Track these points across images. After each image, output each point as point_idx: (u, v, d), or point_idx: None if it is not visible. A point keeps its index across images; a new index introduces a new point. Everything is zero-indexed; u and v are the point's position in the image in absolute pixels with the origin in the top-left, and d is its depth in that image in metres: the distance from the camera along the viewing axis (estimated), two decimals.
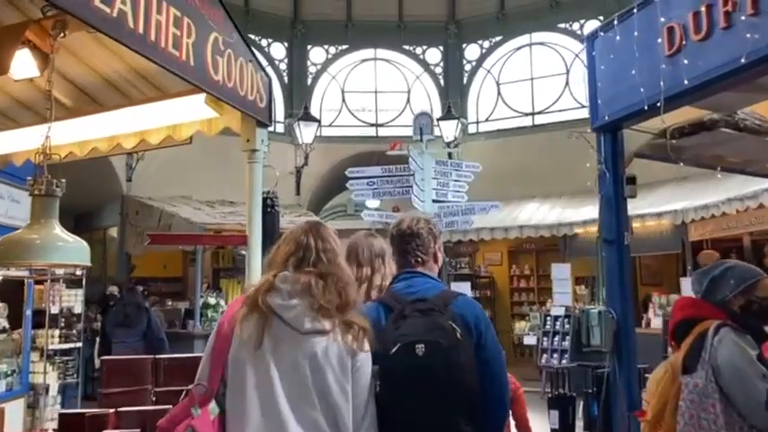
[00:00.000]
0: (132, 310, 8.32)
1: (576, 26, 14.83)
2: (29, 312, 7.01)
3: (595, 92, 4.19)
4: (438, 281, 2.50)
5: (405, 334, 2.16)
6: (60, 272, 7.38)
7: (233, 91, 3.60)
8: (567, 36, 14.97)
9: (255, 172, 3.94)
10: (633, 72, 3.75)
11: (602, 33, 4.14)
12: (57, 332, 7.71)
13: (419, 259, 2.49)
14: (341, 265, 2.25)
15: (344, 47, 15.80)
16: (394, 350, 2.13)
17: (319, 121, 14.13)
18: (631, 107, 3.82)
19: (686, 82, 3.37)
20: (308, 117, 13.59)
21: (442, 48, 15.88)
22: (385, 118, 15.80)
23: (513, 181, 13.04)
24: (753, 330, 2.64)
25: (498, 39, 15.58)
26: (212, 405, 2.11)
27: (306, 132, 13.47)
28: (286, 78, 15.36)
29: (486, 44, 15.70)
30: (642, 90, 3.65)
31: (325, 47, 15.78)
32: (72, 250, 3.10)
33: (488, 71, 15.65)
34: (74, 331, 8.02)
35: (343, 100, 15.78)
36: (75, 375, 7.90)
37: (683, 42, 3.43)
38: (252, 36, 14.15)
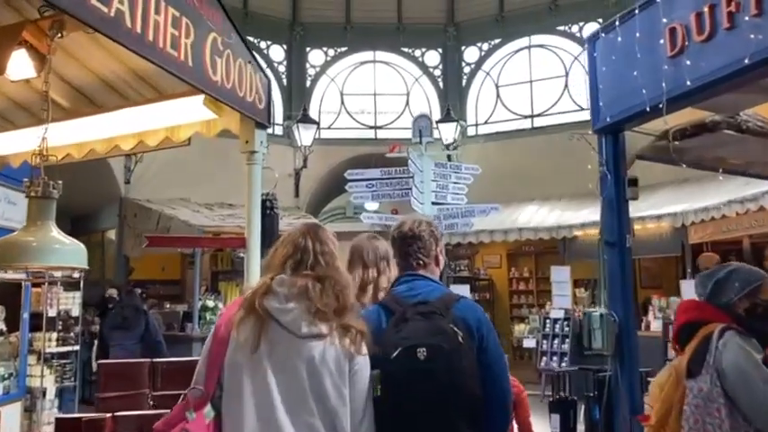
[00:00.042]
0: (130, 313, 8.27)
1: (575, 29, 14.82)
2: (26, 315, 6.96)
3: (597, 93, 4.16)
4: (439, 284, 2.47)
5: (406, 338, 2.14)
6: (58, 275, 7.34)
7: (232, 92, 3.58)
8: (566, 38, 14.96)
9: (254, 173, 3.91)
10: (635, 73, 3.72)
11: (603, 34, 4.12)
12: (54, 335, 7.65)
13: (421, 262, 2.46)
14: (339, 269, 2.23)
15: (343, 49, 15.79)
16: (395, 354, 2.11)
17: (318, 124, 14.11)
18: (633, 108, 3.79)
19: (689, 83, 3.34)
20: (306, 119, 13.57)
21: (440, 50, 15.88)
22: (384, 120, 15.78)
23: (512, 183, 13.02)
24: (758, 334, 2.61)
25: (497, 41, 15.58)
26: (207, 409, 2.09)
27: (305, 135, 13.45)
28: (285, 81, 15.34)
29: (485, 46, 15.69)
30: (644, 91, 3.62)
31: (324, 49, 15.77)
32: (69, 253, 3.06)
33: (487, 73, 15.64)
34: (71, 334, 7.97)
35: (342, 102, 15.76)
36: (72, 379, 7.85)
37: (686, 43, 3.41)
38: (250, 38, 14.12)
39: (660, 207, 10.51)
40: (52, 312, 7.65)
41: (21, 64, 3.26)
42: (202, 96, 3.59)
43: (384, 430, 2.11)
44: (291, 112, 14.72)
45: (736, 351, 2.54)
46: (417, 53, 15.94)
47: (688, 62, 3.37)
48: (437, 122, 13.09)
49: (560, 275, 11.06)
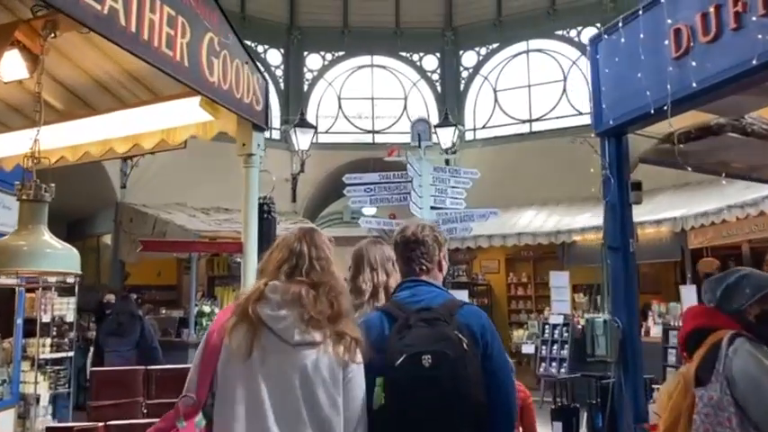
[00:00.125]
0: (125, 319, 8.18)
1: (573, 33, 14.82)
2: (20, 321, 6.90)
3: (599, 96, 4.10)
4: (443, 289, 2.43)
5: (410, 345, 2.11)
6: (52, 280, 7.31)
7: (229, 93, 3.51)
8: (565, 43, 14.95)
9: (251, 177, 3.84)
10: (639, 75, 3.66)
11: (606, 36, 4.05)
12: (48, 341, 7.57)
13: (424, 267, 2.42)
14: (334, 274, 2.19)
15: (341, 53, 15.76)
16: (399, 361, 2.07)
17: (316, 128, 14.06)
18: (637, 111, 3.73)
19: (694, 84, 3.28)
20: (304, 124, 13.51)
21: (438, 54, 15.85)
22: (382, 125, 15.74)
23: (510, 188, 12.97)
24: None
25: (495, 46, 15.56)
26: (199, 417, 2.06)
27: (302, 139, 13.40)
28: (282, 85, 15.30)
29: (484, 51, 15.67)
30: (648, 93, 3.56)
31: (322, 53, 15.73)
32: (61, 257, 2.99)
33: (485, 78, 15.61)
34: (65, 340, 7.88)
35: (340, 107, 15.71)
36: (66, 385, 7.76)
37: (691, 44, 3.35)
38: (248, 42, 14.04)
39: (660, 212, 10.47)
40: (46, 318, 7.59)
41: (13, 64, 3.21)
42: (198, 98, 3.52)
43: None
44: (289, 116, 14.66)
45: (747, 358, 2.47)
46: (415, 57, 15.92)
47: (693, 63, 3.31)
48: (435, 127, 13.04)
49: (559, 281, 11.02)
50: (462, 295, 8.97)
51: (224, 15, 3.51)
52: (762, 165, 4.73)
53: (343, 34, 15.53)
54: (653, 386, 4.52)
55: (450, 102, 15.23)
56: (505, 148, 14.28)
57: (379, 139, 15.33)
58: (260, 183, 3.95)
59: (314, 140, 13.76)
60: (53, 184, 3.04)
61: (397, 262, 2.52)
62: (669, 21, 3.46)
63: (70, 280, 7.71)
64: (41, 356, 7.37)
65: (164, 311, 11.72)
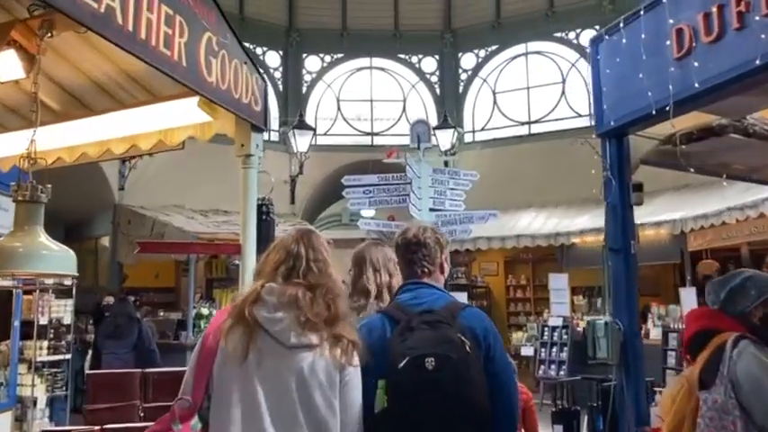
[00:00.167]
0: (123, 321, 8.14)
1: (572, 35, 14.80)
2: (17, 323, 6.87)
3: (600, 96, 4.07)
4: (444, 292, 2.41)
5: (413, 347, 2.09)
6: (49, 282, 7.27)
7: (227, 93, 3.47)
8: (563, 45, 14.93)
9: (250, 178, 3.80)
10: (640, 76, 3.63)
11: (607, 36, 4.03)
12: (45, 343, 7.53)
13: (425, 270, 2.40)
14: (332, 276, 2.17)
15: (340, 55, 15.73)
16: (402, 364, 2.06)
17: (314, 130, 14.03)
18: (638, 112, 3.71)
19: (697, 85, 3.25)
20: (302, 125, 13.49)
21: (437, 57, 15.83)
22: (380, 127, 15.72)
23: (509, 190, 12.94)
24: None
25: (494, 48, 15.54)
26: (194, 420, 2.05)
27: (301, 141, 13.37)
28: (281, 87, 15.27)
29: (482, 53, 15.65)
30: (650, 94, 3.54)
31: (321, 55, 15.71)
32: (57, 259, 2.96)
33: (484, 80, 15.59)
34: (63, 343, 7.85)
35: (339, 108, 15.69)
36: (63, 388, 7.72)
37: (693, 44, 3.32)
38: (247, 44, 14.00)
39: (659, 214, 10.45)
40: (43, 320, 7.54)
41: (9, 64, 3.18)
42: (196, 98, 3.49)
43: None
44: (287, 118, 14.64)
45: (751, 360, 2.44)
46: (414, 59, 15.89)
47: (695, 64, 3.29)
48: (434, 129, 13.01)
49: (558, 283, 10.99)
50: (461, 297, 8.93)
51: (222, 15, 3.48)
52: (762, 166, 4.71)
53: (341, 36, 15.51)
54: (654, 389, 4.50)
55: (449, 104, 15.21)
56: (504, 151, 14.26)
57: (378, 141, 15.30)
58: (259, 184, 3.91)
59: (313, 142, 13.74)
60: (49, 185, 3.00)
61: (399, 264, 2.51)
62: (671, 21, 3.44)
63: (67, 282, 7.67)
64: (38, 359, 7.33)
65: (162, 314, 11.69)
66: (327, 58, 15.73)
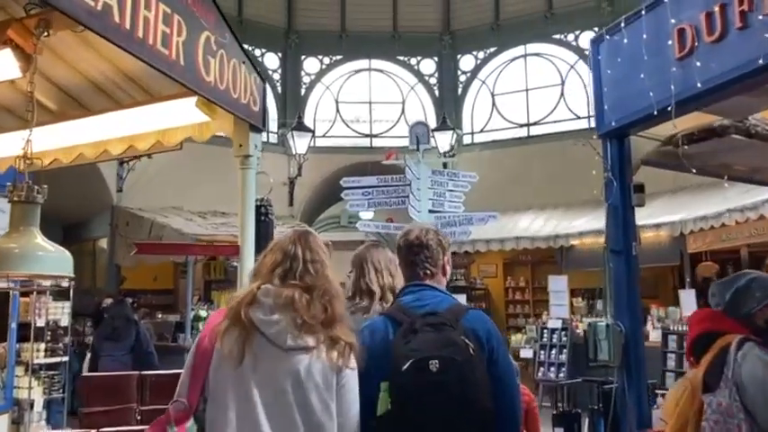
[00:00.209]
0: (121, 323, 8.09)
1: (570, 37, 14.81)
2: (14, 325, 6.81)
3: (601, 97, 4.04)
4: (447, 294, 2.39)
5: (416, 349, 2.08)
6: (47, 283, 7.21)
7: (225, 93, 3.44)
8: (562, 47, 14.94)
9: (248, 178, 3.77)
10: (641, 76, 3.60)
11: (608, 37, 4.00)
12: (42, 346, 7.48)
13: (428, 271, 2.39)
14: (329, 278, 2.16)
15: (338, 57, 15.72)
16: (406, 366, 2.04)
17: (313, 132, 14.01)
18: (640, 112, 3.67)
19: (699, 85, 3.22)
20: (301, 127, 13.47)
21: (436, 58, 15.83)
22: (379, 129, 15.70)
23: (508, 192, 12.94)
24: None
25: (493, 49, 15.54)
26: (190, 423, 2.04)
27: (299, 143, 13.35)
28: (280, 88, 15.25)
29: (481, 55, 15.65)
30: (651, 94, 3.50)
31: (320, 57, 15.70)
32: (53, 260, 2.92)
33: (483, 82, 15.59)
34: (60, 345, 7.79)
35: (338, 110, 15.67)
36: (60, 390, 7.67)
37: (695, 44, 3.29)
38: (245, 46, 14.00)
39: (658, 216, 10.42)
40: (41, 322, 7.49)
41: (5, 64, 3.15)
42: (194, 98, 3.46)
43: None
44: (286, 119, 14.61)
45: (756, 363, 2.41)
46: (413, 61, 15.89)
47: (698, 64, 3.25)
48: (433, 131, 12.98)
49: (558, 285, 10.96)
50: (460, 299, 8.90)
51: (221, 14, 3.45)
52: (764, 167, 4.68)
53: (340, 38, 15.50)
54: (656, 391, 4.46)
55: (448, 106, 15.20)
56: (503, 152, 14.26)
57: (377, 142, 15.30)
58: (257, 185, 3.88)
59: (311, 144, 13.72)
60: (45, 186, 2.97)
61: (400, 266, 2.49)
62: (673, 20, 3.41)
63: (65, 284, 7.60)
64: (36, 361, 7.28)
65: (160, 316, 11.66)
66: (326, 60, 15.72)
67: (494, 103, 15.41)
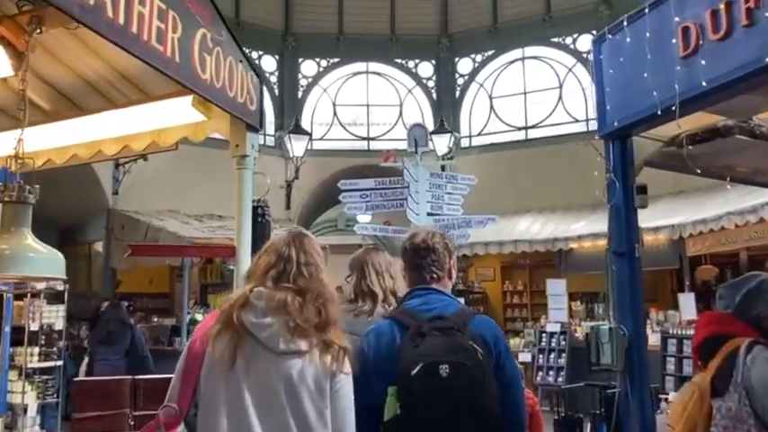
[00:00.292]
0: (116, 327, 8.02)
1: (569, 40, 14.78)
2: (7, 329, 6.77)
3: (603, 97, 3.98)
4: (453, 298, 2.38)
5: (425, 354, 2.05)
6: (40, 286, 7.16)
7: (221, 92, 3.38)
8: (560, 50, 14.92)
9: (245, 179, 3.70)
10: (645, 75, 3.54)
11: (610, 36, 3.94)
12: (36, 350, 7.40)
13: (434, 275, 2.36)
14: (323, 281, 2.11)
15: (336, 60, 15.67)
16: (415, 371, 2.02)
17: (310, 135, 13.96)
18: (643, 112, 3.60)
19: (704, 84, 3.16)
20: (298, 130, 13.42)
21: (434, 61, 15.79)
22: (377, 131, 15.65)
23: (506, 195, 12.89)
24: None
25: (491, 53, 15.51)
26: (181, 428, 2.00)
27: (296, 146, 13.30)
28: (277, 91, 15.19)
29: (479, 58, 15.61)
30: (655, 94, 3.44)
31: (317, 60, 15.64)
32: (45, 262, 2.86)
33: (481, 85, 15.55)
34: (54, 349, 7.70)
35: (335, 113, 15.62)
36: (54, 395, 7.58)
37: (700, 42, 3.23)
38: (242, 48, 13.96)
39: (657, 219, 10.38)
40: (35, 326, 7.41)
41: None
42: (190, 97, 3.39)
43: None
44: (283, 122, 14.56)
45: (765, 367, 2.35)
46: (411, 64, 15.84)
47: (703, 62, 3.20)
48: (431, 134, 12.94)
49: (556, 288, 10.92)
50: None
51: (217, 11, 3.39)
52: (766, 168, 4.63)
53: (338, 41, 15.45)
54: (660, 396, 4.40)
55: (446, 109, 15.15)
56: (501, 156, 14.22)
57: (375, 146, 15.22)
58: (254, 185, 3.81)
59: (308, 147, 13.67)
60: (37, 186, 2.90)
61: (406, 269, 2.45)
62: (677, 19, 3.35)
63: (59, 287, 7.56)
64: (29, 366, 7.21)
65: (156, 319, 11.59)
66: (323, 63, 15.67)
67: (492, 106, 15.37)
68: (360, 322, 2.67)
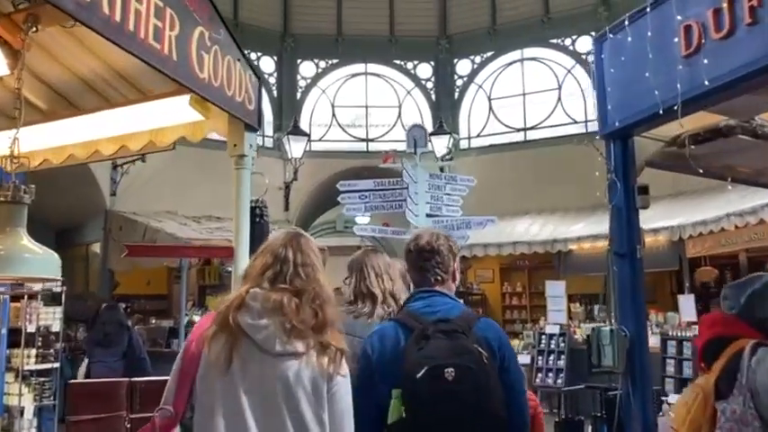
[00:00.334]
0: (113, 329, 7.97)
1: (567, 42, 14.77)
2: (4, 331, 6.70)
3: (604, 97, 3.95)
4: (457, 300, 2.36)
5: (431, 356, 2.04)
6: (36, 287, 7.12)
7: (219, 91, 3.34)
8: (559, 51, 14.90)
9: (243, 179, 3.66)
10: (646, 75, 3.51)
11: (611, 35, 3.92)
12: (33, 352, 7.34)
13: (439, 277, 2.36)
14: (320, 281, 2.09)
15: (335, 61, 15.65)
16: (421, 374, 2.00)
17: (309, 136, 13.92)
18: (645, 112, 3.59)
19: (706, 83, 3.13)
20: (297, 131, 13.39)
21: (433, 63, 15.77)
22: (376, 133, 15.62)
23: (505, 197, 12.86)
24: None
25: (490, 54, 15.50)
26: (176, 431, 1.99)
27: (295, 147, 13.26)
28: (275, 92, 15.16)
29: (478, 59, 15.60)
30: (657, 93, 3.41)
31: (316, 61, 15.62)
32: (40, 262, 2.82)
33: (480, 86, 15.53)
34: (51, 351, 7.65)
35: (334, 114, 15.59)
36: (51, 397, 7.53)
37: (703, 41, 3.21)
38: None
39: (657, 220, 10.35)
40: (31, 328, 7.35)
41: None
42: (188, 96, 3.36)
43: None
44: (282, 123, 14.53)
45: None
46: (409, 65, 15.82)
47: (705, 61, 3.17)
48: (430, 135, 12.91)
49: (555, 290, 10.88)
50: None
51: (215, 10, 3.36)
52: None
53: (336, 42, 15.42)
54: (662, 398, 4.37)
55: (445, 110, 15.14)
56: (500, 157, 14.21)
57: (373, 147, 15.20)
58: (252, 185, 3.77)
59: (307, 148, 13.63)
60: (33, 185, 2.87)
61: (410, 271, 2.45)
62: (679, 17, 3.33)
63: (57, 289, 7.52)
64: (26, 368, 7.15)
65: (153, 321, 11.55)
66: (322, 64, 15.65)
67: (490, 108, 15.36)
68: (359, 324, 2.64)
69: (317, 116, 15.47)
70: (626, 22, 3.73)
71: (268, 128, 14.46)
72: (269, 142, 14.34)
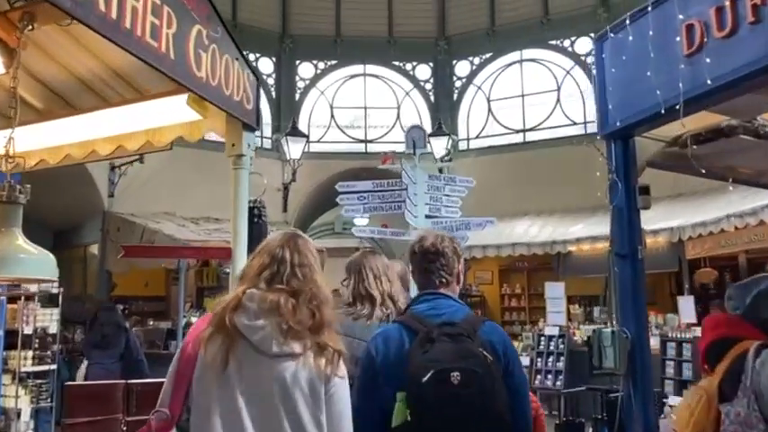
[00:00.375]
0: (110, 331, 7.93)
1: (566, 43, 14.75)
2: (1, 333, 6.69)
3: (605, 96, 3.92)
4: (461, 303, 2.33)
5: (436, 360, 2.02)
6: (33, 289, 7.08)
7: (217, 90, 3.31)
8: (558, 53, 14.89)
9: (241, 179, 3.63)
10: (648, 74, 3.48)
11: (612, 35, 3.89)
12: (30, 354, 7.31)
13: (443, 280, 2.33)
14: (317, 282, 2.07)
15: (333, 62, 15.63)
16: (426, 378, 1.98)
17: (307, 137, 13.89)
18: (646, 111, 3.55)
19: (709, 82, 3.10)
20: (295, 132, 13.35)
21: (431, 64, 15.75)
22: (374, 134, 15.60)
23: (504, 198, 12.84)
24: None
25: (489, 55, 15.48)
26: None
27: (294, 148, 13.22)
28: (274, 93, 15.13)
29: (477, 60, 15.58)
30: (658, 93, 3.38)
31: (314, 62, 15.59)
32: (36, 263, 2.79)
33: (479, 87, 15.52)
34: (48, 353, 7.62)
35: (332, 116, 15.56)
36: (48, 399, 7.49)
37: (705, 40, 3.18)
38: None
39: (656, 221, 10.33)
40: (28, 330, 7.33)
41: None
42: (185, 96, 3.33)
43: None
44: (280, 124, 14.50)
45: None
46: (408, 67, 15.80)
47: (707, 60, 3.14)
48: (428, 136, 12.88)
49: (555, 291, 10.86)
50: None
51: (213, 8, 3.33)
52: None
53: (335, 43, 15.40)
54: (663, 400, 4.34)
55: (444, 111, 15.11)
56: (499, 158, 14.19)
57: (372, 148, 15.17)
58: (250, 186, 3.74)
59: (305, 150, 13.59)
60: (28, 186, 2.84)
61: (414, 273, 2.42)
62: (681, 16, 3.30)
63: (54, 290, 7.49)
64: (23, 369, 7.13)
65: (151, 323, 11.51)
66: (321, 65, 15.62)
67: (489, 109, 15.34)
68: (358, 326, 2.62)
69: (315, 117, 15.44)
70: (627, 22, 3.69)
71: (266, 129, 14.44)
72: (267, 143, 14.32)
